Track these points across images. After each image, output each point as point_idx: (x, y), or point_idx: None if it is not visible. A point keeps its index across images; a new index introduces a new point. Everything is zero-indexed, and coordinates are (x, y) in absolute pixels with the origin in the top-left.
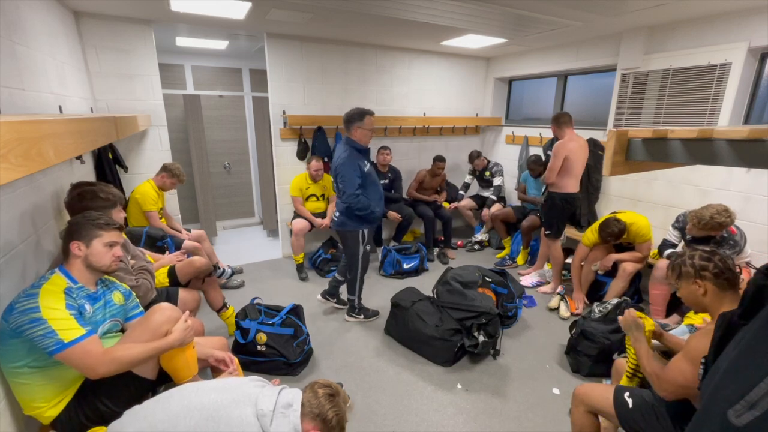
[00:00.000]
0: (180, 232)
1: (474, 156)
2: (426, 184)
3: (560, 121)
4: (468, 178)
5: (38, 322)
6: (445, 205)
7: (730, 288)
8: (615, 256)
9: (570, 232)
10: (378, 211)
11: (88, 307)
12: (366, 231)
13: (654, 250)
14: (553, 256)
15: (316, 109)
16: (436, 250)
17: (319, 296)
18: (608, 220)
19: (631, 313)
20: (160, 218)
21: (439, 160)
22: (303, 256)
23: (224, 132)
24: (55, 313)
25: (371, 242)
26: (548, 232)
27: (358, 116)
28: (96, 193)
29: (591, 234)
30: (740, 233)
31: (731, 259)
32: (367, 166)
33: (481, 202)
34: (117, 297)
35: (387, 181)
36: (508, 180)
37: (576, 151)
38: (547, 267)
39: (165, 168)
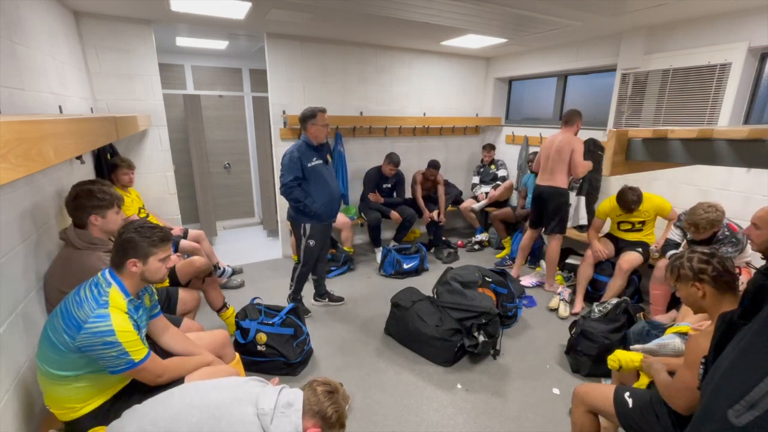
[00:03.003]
0: (170, 229)
1: (489, 147)
2: (422, 185)
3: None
4: (475, 179)
5: (113, 345)
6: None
7: (729, 290)
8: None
9: (570, 232)
10: (318, 208)
11: (139, 321)
12: (309, 226)
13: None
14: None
15: None
16: (444, 252)
17: (312, 301)
18: (622, 190)
19: (645, 360)
20: (146, 217)
21: (432, 166)
22: None
23: (224, 132)
24: (128, 335)
25: (318, 239)
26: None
27: (310, 114)
28: (93, 193)
29: (608, 203)
30: (742, 231)
31: (731, 261)
32: (316, 162)
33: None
34: (147, 300)
35: (390, 185)
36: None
37: (545, 146)
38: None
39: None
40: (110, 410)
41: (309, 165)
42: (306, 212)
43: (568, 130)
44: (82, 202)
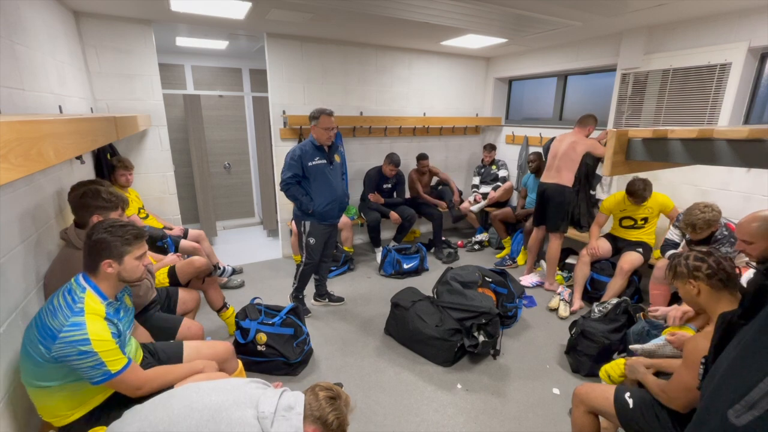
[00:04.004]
0: (170, 229)
1: (490, 147)
2: (419, 182)
3: None
4: (476, 180)
5: (88, 355)
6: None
7: (724, 288)
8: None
9: (570, 232)
10: (316, 207)
11: (120, 325)
12: (308, 224)
13: (656, 251)
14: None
15: None
16: (445, 252)
17: (312, 301)
18: (632, 180)
19: (628, 364)
20: (146, 217)
21: (421, 158)
22: None
23: (224, 132)
24: (105, 344)
25: (318, 238)
26: None
27: (313, 116)
28: (99, 193)
29: (613, 198)
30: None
31: (729, 260)
32: (318, 161)
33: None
34: (128, 300)
35: (390, 186)
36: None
37: (554, 144)
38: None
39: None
40: (103, 412)
41: (310, 164)
42: (304, 210)
43: (579, 131)
44: (88, 201)
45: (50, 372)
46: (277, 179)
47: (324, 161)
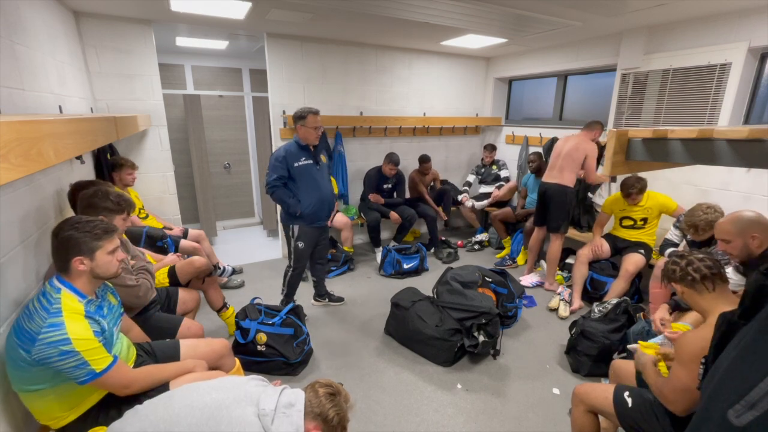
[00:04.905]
0: (170, 229)
1: (491, 147)
2: (422, 183)
3: None
4: (471, 178)
5: (70, 355)
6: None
7: (701, 286)
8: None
9: (570, 232)
10: (304, 209)
11: (104, 322)
12: (296, 227)
13: (654, 251)
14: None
15: None
16: (445, 252)
17: (312, 301)
18: (628, 177)
19: (637, 349)
20: (145, 217)
21: (423, 161)
22: None
23: (224, 132)
24: (87, 343)
25: (307, 241)
26: None
27: (300, 115)
28: (108, 195)
29: (613, 197)
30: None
31: (710, 260)
32: (304, 162)
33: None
34: (111, 298)
35: (390, 186)
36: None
37: (558, 144)
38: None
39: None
40: (100, 411)
41: (296, 164)
42: (291, 213)
43: (585, 134)
44: (96, 202)
45: (36, 375)
46: None
47: (310, 161)
